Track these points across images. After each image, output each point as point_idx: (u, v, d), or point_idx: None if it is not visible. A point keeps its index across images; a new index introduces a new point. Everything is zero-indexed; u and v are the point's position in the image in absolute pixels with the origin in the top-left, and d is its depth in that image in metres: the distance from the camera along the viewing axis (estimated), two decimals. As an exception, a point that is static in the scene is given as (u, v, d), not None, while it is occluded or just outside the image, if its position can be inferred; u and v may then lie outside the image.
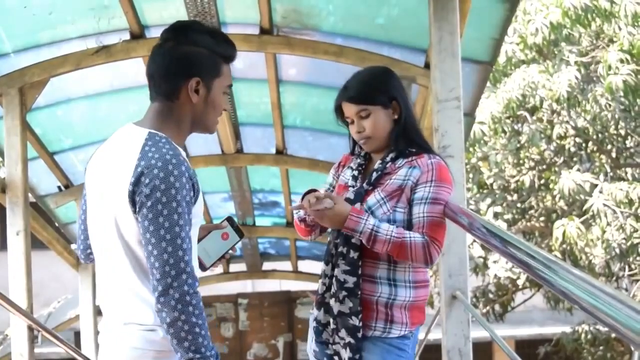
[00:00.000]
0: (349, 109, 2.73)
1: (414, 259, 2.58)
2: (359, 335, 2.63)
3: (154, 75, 2.19)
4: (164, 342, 2.09)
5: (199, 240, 2.36)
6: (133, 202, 2.07)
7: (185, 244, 2.04)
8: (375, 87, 2.72)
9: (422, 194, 2.62)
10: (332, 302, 2.67)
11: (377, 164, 2.72)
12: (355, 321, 2.62)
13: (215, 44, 2.20)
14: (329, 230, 2.78)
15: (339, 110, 2.78)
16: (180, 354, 2.04)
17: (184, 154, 2.16)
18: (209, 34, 2.21)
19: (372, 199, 2.65)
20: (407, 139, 2.71)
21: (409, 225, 2.63)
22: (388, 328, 2.64)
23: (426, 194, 2.61)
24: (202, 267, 2.38)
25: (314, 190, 2.69)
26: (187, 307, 2.02)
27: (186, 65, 2.17)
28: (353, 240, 2.64)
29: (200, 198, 2.17)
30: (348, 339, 2.63)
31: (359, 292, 2.63)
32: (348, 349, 2.63)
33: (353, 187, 2.73)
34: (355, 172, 2.77)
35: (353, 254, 2.64)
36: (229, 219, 2.42)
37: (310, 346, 2.79)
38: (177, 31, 2.21)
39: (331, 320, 2.68)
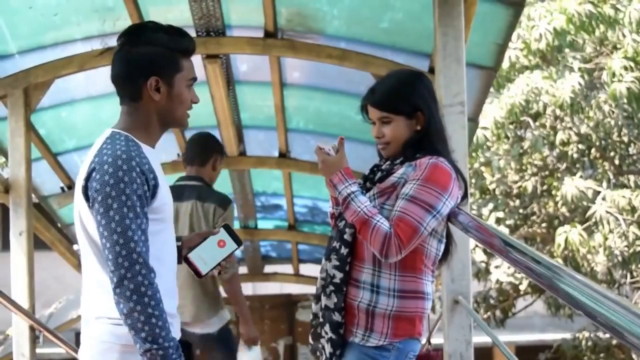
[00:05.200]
0: (372, 113, 2.70)
1: (371, 243, 2.53)
2: (341, 331, 2.62)
3: (117, 80, 2.25)
4: (129, 336, 2.11)
5: (195, 246, 2.37)
6: (87, 198, 2.14)
7: (137, 236, 2.09)
8: (400, 95, 2.67)
9: (405, 189, 2.57)
10: (322, 295, 2.68)
11: (385, 164, 2.70)
12: (337, 317, 2.61)
13: (170, 39, 2.23)
14: (337, 222, 2.76)
15: (364, 110, 2.75)
16: (139, 345, 2.07)
17: (150, 152, 2.21)
18: (164, 31, 2.24)
19: (367, 194, 2.65)
20: (420, 148, 2.66)
21: None
22: (367, 336, 2.61)
23: (408, 190, 2.56)
24: (198, 274, 2.38)
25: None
26: (142, 297, 2.05)
27: (142, 65, 2.20)
28: (345, 236, 2.64)
29: (163, 194, 2.19)
30: (330, 334, 2.63)
31: (344, 289, 2.62)
32: (329, 344, 2.63)
33: (360, 184, 2.71)
34: (367, 171, 2.77)
35: (343, 250, 2.63)
36: (226, 227, 2.42)
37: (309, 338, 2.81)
38: (130, 34, 2.25)
39: (320, 314, 2.69)
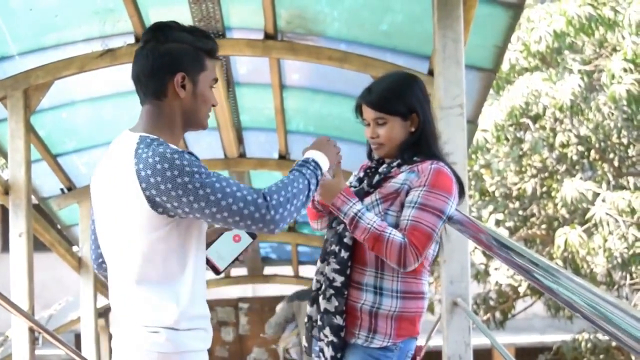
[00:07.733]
0: (368, 113, 2.72)
1: (387, 257, 2.55)
2: (342, 334, 2.63)
3: (140, 77, 2.22)
4: (167, 344, 2.11)
5: (211, 243, 2.36)
6: (155, 204, 2.07)
7: (229, 185, 2.10)
8: (396, 97, 2.69)
9: (412, 197, 2.59)
10: (320, 299, 2.69)
11: (382, 168, 2.71)
12: (339, 320, 2.63)
13: (196, 39, 2.23)
14: (333, 225, 2.77)
15: (359, 109, 2.76)
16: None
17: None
18: (188, 31, 2.25)
19: (367, 200, 2.66)
20: (416, 151, 2.68)
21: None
22: (370, 337, 2.63)
23: (416, 197, 2.58)
24: (216, 271, 2.37)
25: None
26: (286, 204, 2.25)
27: (170, 61, 2.19)
28: (345, 240, 2.65)
29: None
30: (331, 338, 2.64)
31: (345, 292, 2.63)
32: (330, 347, 2.65)
33: (355, 187, 2.73)
34: (362, 174, 2.78)
35: (344, 254, 2.64)
36: None
37: (302, 341, 2.81)
38: (156, 31, 2.25)
39: (318, 317, 2.69)
